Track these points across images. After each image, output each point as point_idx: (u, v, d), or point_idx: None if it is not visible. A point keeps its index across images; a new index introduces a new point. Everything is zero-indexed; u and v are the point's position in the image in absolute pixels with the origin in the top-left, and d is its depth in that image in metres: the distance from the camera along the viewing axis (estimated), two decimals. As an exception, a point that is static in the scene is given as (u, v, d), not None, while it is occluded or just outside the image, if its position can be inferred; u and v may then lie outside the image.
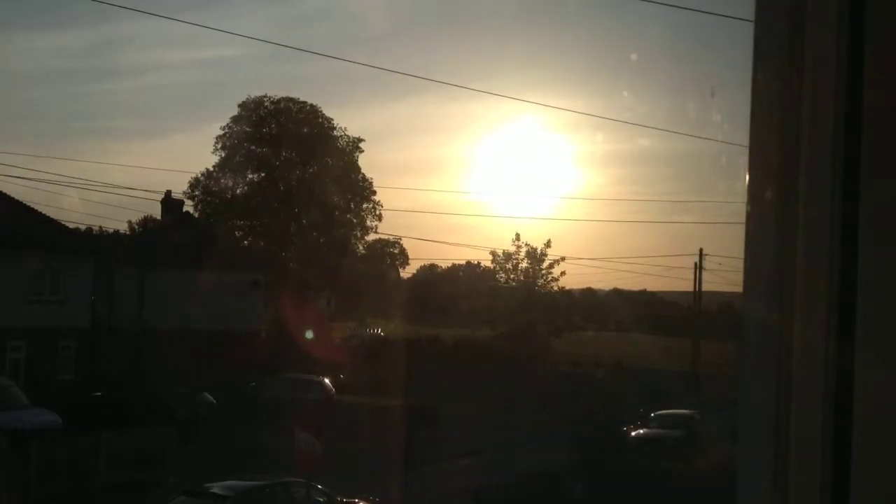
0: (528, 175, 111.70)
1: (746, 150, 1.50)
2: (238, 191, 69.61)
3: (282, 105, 69.23)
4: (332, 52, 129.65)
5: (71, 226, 49.14)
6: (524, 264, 66.41)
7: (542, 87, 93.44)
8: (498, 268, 68.53)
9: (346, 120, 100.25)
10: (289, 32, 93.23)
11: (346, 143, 70.68)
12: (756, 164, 1.49)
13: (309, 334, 50.67)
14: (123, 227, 76.90)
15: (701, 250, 61.84)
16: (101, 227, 68.36)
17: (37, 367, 39.33)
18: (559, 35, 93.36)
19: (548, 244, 65.57)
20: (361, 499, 22.91)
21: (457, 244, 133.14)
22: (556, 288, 67.27)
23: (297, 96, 68.72)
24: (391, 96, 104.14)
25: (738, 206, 1.53)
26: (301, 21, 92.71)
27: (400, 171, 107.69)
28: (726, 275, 66.06)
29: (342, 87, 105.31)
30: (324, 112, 69.50)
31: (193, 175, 69.87)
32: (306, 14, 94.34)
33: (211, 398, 36.73)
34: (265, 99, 69.00)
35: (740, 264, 1.52)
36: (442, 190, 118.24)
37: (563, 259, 65.82)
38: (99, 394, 36.08)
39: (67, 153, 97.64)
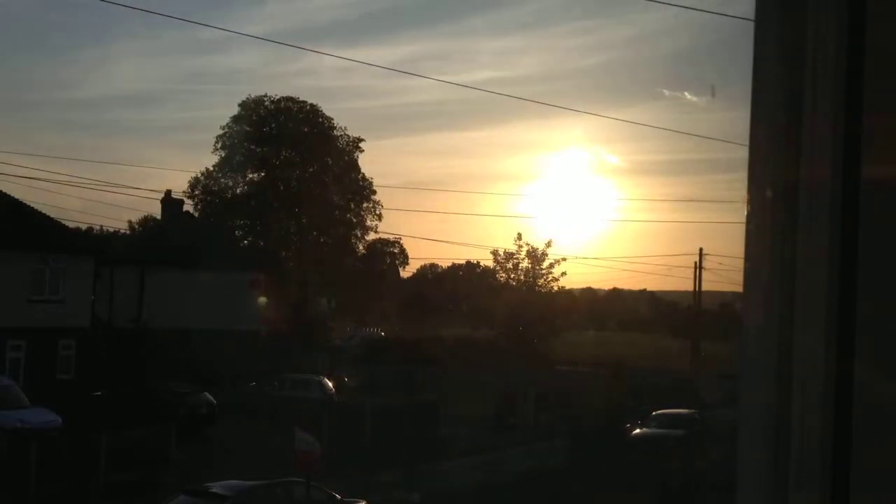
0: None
1: (746, 150, 1.50)
2: (238, 190, 69.59)
3: (282, 105, 69.18)
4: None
5: (71, 226, 49.20)
6: (525, 264, 66.47)
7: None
8: (498, 267, 68.60)
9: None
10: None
11: (346, 142, 70.65)
12: (756, 164, 1.49)
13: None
14: (123, 227, 76.99)
15: (701, 250, 61.89)
16: (101, 226, 68.48)
17: (37, 367, 39.32)
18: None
19: (549, 244, 65.66)
20: (362, 499, 22.90)
21: (456, 243, 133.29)
22: (556, 288, 67.36)
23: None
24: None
25: (738, 206, 1.53)
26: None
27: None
28: (726, 274, 66.14)
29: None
30: (323, 112, 69.51)
31: (193, 175, 69.94)
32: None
33: (211, 398, 36.70)
34: (265, 98, 69.01)
35: (740, 264, 1.52)
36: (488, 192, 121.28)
37: (564, 259, 65.93)
38: (99, 394, 36.07)
39: (68, 153, 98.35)
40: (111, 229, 71.79)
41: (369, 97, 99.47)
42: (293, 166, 68.85)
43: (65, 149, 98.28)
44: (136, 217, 78.92)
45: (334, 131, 69.81)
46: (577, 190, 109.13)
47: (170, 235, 50.79)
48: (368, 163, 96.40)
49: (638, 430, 34.23)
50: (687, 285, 65.65)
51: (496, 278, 70.40)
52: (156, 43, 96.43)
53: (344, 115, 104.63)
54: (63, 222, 45.75)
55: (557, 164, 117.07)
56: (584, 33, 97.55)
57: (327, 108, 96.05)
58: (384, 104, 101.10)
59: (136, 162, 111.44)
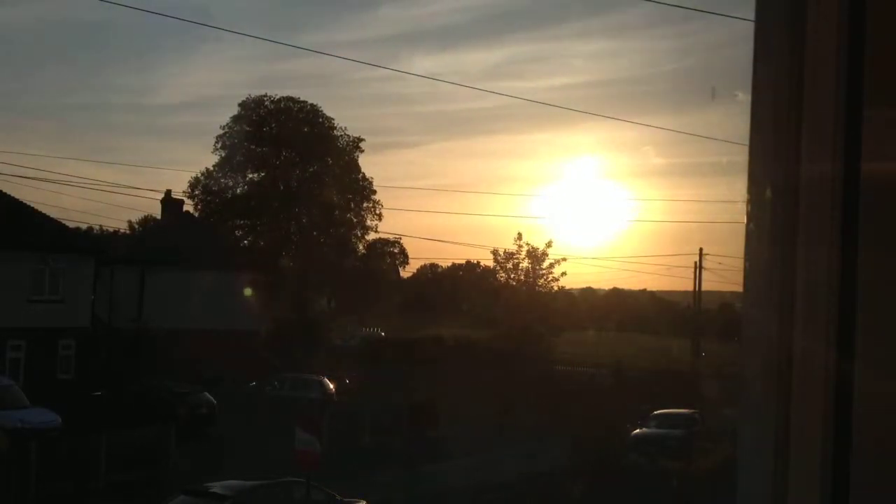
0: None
1: (746, 150, 1.50)
2: (238, 190, 69.58)
3: (282, 104, 69.15)
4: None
5: (71, 226, 49.20)
6: (525, 264, 66.51)
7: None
8: (498, 267, 68.65)
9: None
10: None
11: (346, 142, 70.63)
12: (756, 164, 1.49)
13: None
14: (123, 227, 77.04)
15: (701, 250, 61.86)
16: (101, 226, 68.52)
17: (37, 366, 39.32)
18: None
19: (549, 244, 65.73)
20: (361, 499, 22.90)
21: (456, 243, 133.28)
22: (556, 288, 67.40)
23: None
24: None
25: (738, 205, 1.53)
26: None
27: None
28: (726, 274, 66.11)
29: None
30: (323, 111, 69.49)
31: (193, 175, 69.95)
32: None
33: (211, 398, 36.71)
34: (265, 98, 68.98)
35: (740, 264, 1.52)
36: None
37: (564, 259, 66.00)
38: (99, 393, 36.06)
39: (68, 152, 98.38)
40: (111, 229, 71.87)
41: (445, 102, 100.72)
42: (293, 166, 68.84)
43: (67, 149, 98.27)
44: (136, 217, 79.06)
45: (334, 131, 69.85)
46: (584, 192, 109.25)
47: (170, 235, 50.79)
48: (405, 164, 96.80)
49: (638, 430, 34.20)
50: (687, 285, 65.67)
51: (496, 278, 70.43)
52: (239, 49, 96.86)
53: (391, 119, 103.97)
54: (63, 222, 45.81)
55: (571, 169, 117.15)
56: (674, 37, 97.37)
57: (404, 113, 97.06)
58: (463, 108, 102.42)
59: (171, 166, 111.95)
